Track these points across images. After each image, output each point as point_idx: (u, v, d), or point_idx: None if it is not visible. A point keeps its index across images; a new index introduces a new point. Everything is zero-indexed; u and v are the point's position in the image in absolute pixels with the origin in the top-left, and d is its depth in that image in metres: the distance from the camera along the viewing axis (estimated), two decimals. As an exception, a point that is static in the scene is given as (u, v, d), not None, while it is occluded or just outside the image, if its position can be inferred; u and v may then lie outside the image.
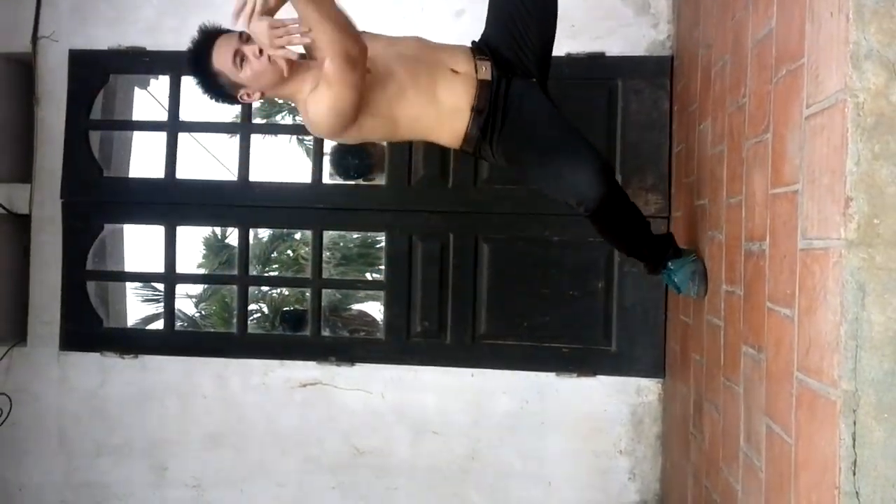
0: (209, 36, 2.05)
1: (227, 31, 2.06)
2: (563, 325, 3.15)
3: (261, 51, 1.99)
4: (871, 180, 1.13)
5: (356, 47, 1.93)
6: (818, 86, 1.29)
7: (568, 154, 2.12)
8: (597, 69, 3.13)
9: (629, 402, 3.12)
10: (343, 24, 1.90)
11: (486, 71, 2.14)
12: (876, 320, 1.14)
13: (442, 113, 2.14)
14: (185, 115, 3.36)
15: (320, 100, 2.00)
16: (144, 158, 4.03)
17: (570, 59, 3.08)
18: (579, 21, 3.07)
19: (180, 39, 3.25)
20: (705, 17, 2.42)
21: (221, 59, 2.02)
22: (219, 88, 2.08)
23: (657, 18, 3.12)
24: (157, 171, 3.37)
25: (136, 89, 3.90)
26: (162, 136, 3.36)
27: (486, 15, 2.27)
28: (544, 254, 3.17)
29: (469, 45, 2.24)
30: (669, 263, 2.34)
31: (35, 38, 3.31)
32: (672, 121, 3.03)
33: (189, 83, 3.32)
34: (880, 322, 1.14)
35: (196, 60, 2.06)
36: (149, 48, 3.30)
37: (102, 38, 3.31)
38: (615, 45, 3.13)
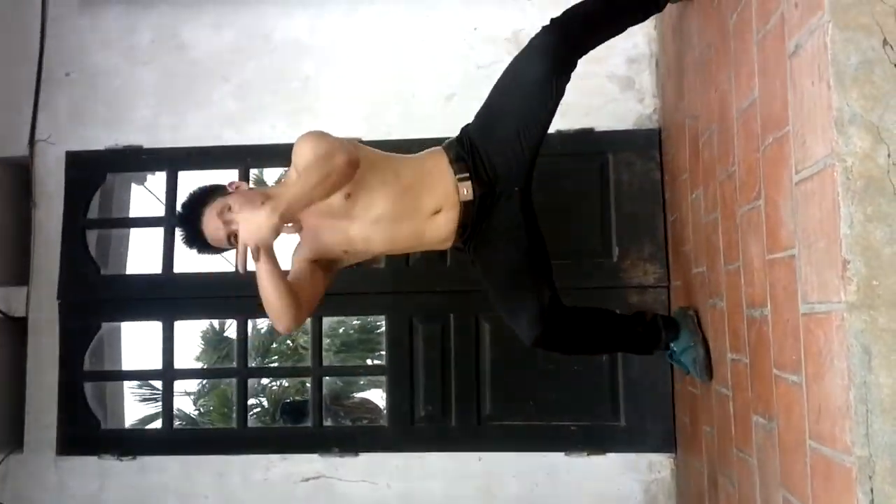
0: (195, 214, 2.04)
1: (209, 198, 2.04)
2: (570, 401, 3.10)
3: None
4: (867, 242, 1.13)
5: (343, 167, 1.93)
6: (806, 152, 1.30)
7: (519, 293, 2.22)
8: (587, 144, 3.18)
9: (642, 479, 3.03)
10: (324, 179, 1.90)
11: (467, 192, 2.16)
12: (884, 383, 1.12)
13: (428, 245, 2.25)
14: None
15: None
16: (143, 254, 4.05)
17: (561, 136, 3.13)
18: (567, 99, 3.10)
19: (177, 136, 3.36)
20: (689, 90, 2.48)
21: (216, 236, 2.02)
22: (217, 250, 2.13)
23: (642, 94, 3.19)
24: (155, 266, 3.37)
25: (133, 185, 3.95)
26: (159, 231, 3.38)
27: (479, 106, 2.26)
28: (546, 330, 3.14)
29: (450, 147, 2.21)
30: (672, 345, 2.33)
31: (32, 142, 3.37)
32: (664, 191, 3.06)
33: (186, 178, 3.40)
34: (889, 385, 1.12)
35: (193, 242, 2.07)
36: (146, 146, 3.35)
37: (99, 139, 3.36)
38: (604, 121, 3.19)
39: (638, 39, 3.19)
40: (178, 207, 2.12)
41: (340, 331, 11.08)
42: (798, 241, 1.37)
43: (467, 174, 2.15)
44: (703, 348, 2.25)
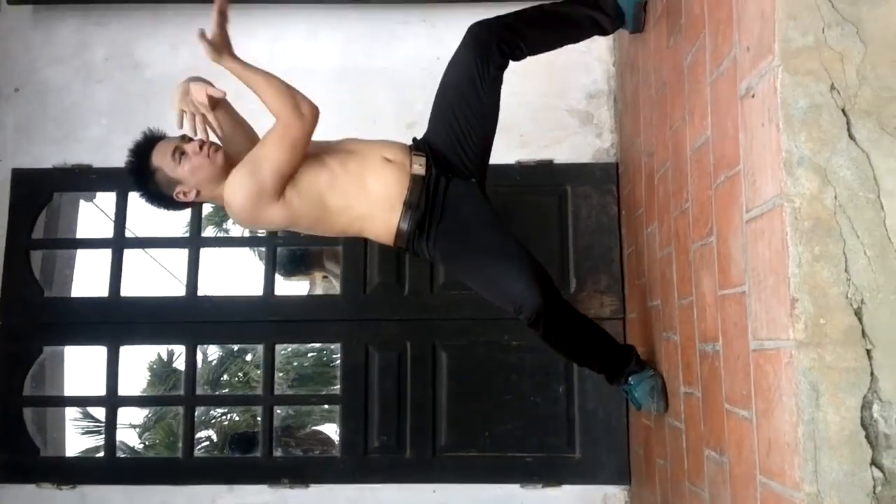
0: (151, 138, 2.20)
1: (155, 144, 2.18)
2: (526, 433, 3.08)
3: (200, 147, 2.11)
4: (814, 281, 1.15)
5: (306, 104, 2.09)
6: (756, 191, 1.32)
7: (505, 261, 2.13)
8: (546, 176, 3.21)
9: (595, 511, 3.02)
10: (290, 91, 2.09)
11: (420, 167, 2.17)
12: (832, 420, 1.14)
13: (373, 203, 2.16)
14: (133, 228, 3.32)
15: (241, 169, 2.08)
16: (90, 275, 3.95)
17: (521, 167, 3.16)
18: (528, 131, 3.17)
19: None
20: (645, 126, 2.52)
21: (160, 155, 2.14)
22: (155, 187, 2.16)
23: (600, 128, 3.24)
24: (102, 288, 3.28)
25: (82, 202, 3.85)
26: (107, 253, 3.29)
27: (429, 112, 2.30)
28: (504, 358, 3.13)
29: (409, 142, 2.28)
30: (630, 378, 2.33)
31: (-23, 159, 3.27)
32: (621, 224, 3.09)
33: (136, 198, 3.32)
34: (836, 422, 1.13)
35: (136, 157, 2.17)
36: (95, 165, 3.27)
37: (48, 157, 3.28)
38: (563, 154, 3.22)
39: (597, 75, 3.24)
40: (128, 159, 2.19)
41: (294, 363, 10.91)
42: (748, 279, 1.39)
43: (423, 154, 2.21)
44: (661, 380, 2.27)
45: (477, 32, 2.18)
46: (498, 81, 2.22)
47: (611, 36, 3.13)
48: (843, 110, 1.16)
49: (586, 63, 3.25)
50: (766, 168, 1.26)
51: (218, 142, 2.18)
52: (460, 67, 2.20)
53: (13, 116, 3.32)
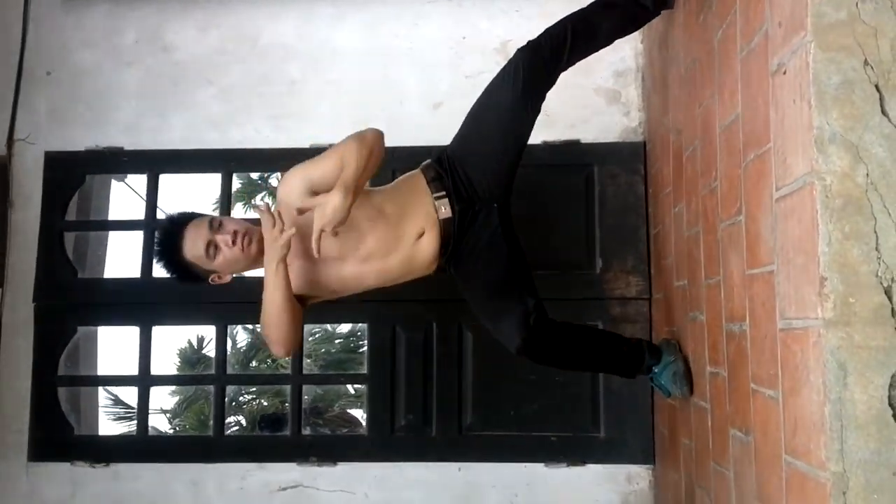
0: (179, 225, 2.10)
1: (196, 217, 2.11)
2: (551, 412, 3.09)
3: (233, 241, 2.04)
4: (844, 260, 1.13)
5: (374, 136, 2.05)
6: (786, 169, 1.31)
7: (503, 302, 2.23)
8: (573, 156, 3.19)
9: (620, 490, 3.03)
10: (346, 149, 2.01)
11: (445, 210, 2.19)
12: (859, 399, 1.13)
13: (414, 270, 2.26)
14: (164, 207, 3.35)
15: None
16: (122, 255, 4.00)
17: (547, 147, 3.14)
18: (553, 110, 3.12)
19: (159, 138, 3.33)
20: (674, 105, 2.49)
21: (193, 249, 2.06)
22: (189, 274, 2.12)
23: (628, 107, 3.21)
24: (134, 270, 3.33)
25: (114, 182, 3.90)
26: (139, 234, 3.34)
27: (465, 115, 2.29)
28: (528, 340, 3.13)
29: (428, 168, 2.24)
30: (654, 368, 2.34)
31: (10, 142, 3.32)
32: (648, 204, 3.07)
33: (167, 181, 3.37)
34: (863, 401, 1.13)
35: (167, 251, 2.09)
36: (126, 147, 3.32)
37: (80, 140, 3.32)
38: (590, 133, 3.20)
39: (625, 53, 3.21)
40: (157, 249, 2.15)
41: (322, 350, 11.01)
42: (777, 258, 1.38)
43: (444, 192, 2.19)
44: (683, 363, 2.27)
45: (526, 69, 2.16)
46: (539, 109, 2.24)
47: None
48: (876, 86, 1.14)
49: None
50: (797, 146, 1.25)
51: (250, 226, 2.11)
52: (504, 94, 2.18)
53: (45, 100, 3.37)
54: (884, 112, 1.14)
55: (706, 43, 1.97)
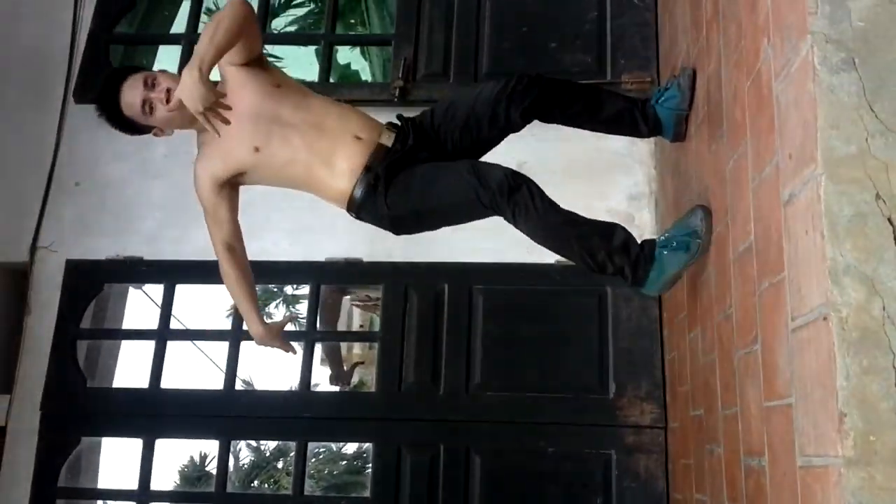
0: (115, 81, 2.17)
1: (132, 72, 2.19)
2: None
3: (167, 99, 2.10)
4: (863, 395, 1.10)
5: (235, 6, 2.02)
6: (801, 300, 1.29)
7: (449, 170, 2.15)
8: (586, 277, 3.16)
9: None
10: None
11: (388, 138, 2.21)
12: (884, 543, 1.06)
13: (335, 175, 2.19)
14: (179, 314, 3.37)
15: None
16: (131, 362, 3.98)
17: (561, 268, 3.13)
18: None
19: (178, 248, 3.37)
20: (686, 230, 2.49)
21: (130, 108, 2.15)
22: (131, 127, 2.22)
23: (642, 230, 3.22)
24: (143, 378, 3.30)
25: (132, 288, 3.93)
26: (151, 343, 3.33)
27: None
28: (539, 466, 3.02)
29: (395, 120, 2.30)
30: (664, 251, 2.12)
31: (34, 248, 3.38)
32: (662, 328, 3.03)
33: (184, 290, 3.38)
34: (887, 545, 1.06)
35: (106, 107, 2.19)
36: (146, 257, 3.36)
37: (102, 249, 3.37)
38: (604, 256, 3.20)
39: (638, 178, 3.26)
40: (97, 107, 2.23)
41: (325, 471, 10.75)
42: (795, 390, 1.34)
43: (395, 130, 2.23)
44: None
45: (519, 80, 2.24)
46: (513, 123, 2.29)
47: (651, 140, 3.17)
48: (888, 220, 1.14)
49: (627, 165, 3.28)
50: (811, 276, 1.23)
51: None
52: (487, 101, 2.25)
53: (72, 210, 3.45)
54: (898, 246, 1.13)
55: (718, 172, 1.99)
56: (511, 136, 3.36)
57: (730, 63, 1.89)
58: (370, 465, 3.87)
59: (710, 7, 2.16)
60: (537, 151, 3.10)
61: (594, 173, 3.22)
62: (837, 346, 1.12)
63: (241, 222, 3.34)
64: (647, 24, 3.32)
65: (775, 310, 1.46)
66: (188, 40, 3.50)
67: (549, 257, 3.17)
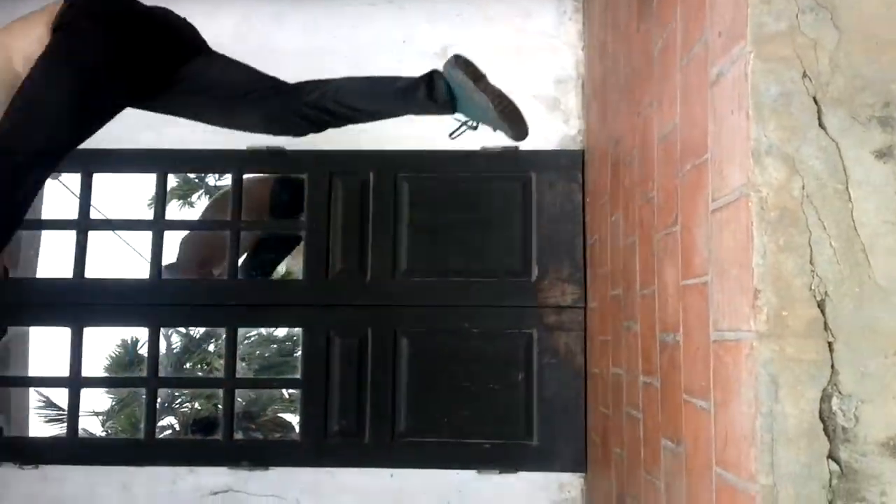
0: None
1: None
2: (485, 419, 3.08)
3: None
4: (778, 273, 1.13)
5: None
6: (723, 180, 1.31)
7: None
8: (511, 163, 3.18)
9: (552, 498, 3.03)
10: None
11: None
12: (790, 413, 1.13)
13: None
14: (99, 205, 3.25)
15: None
16: (55, 256, 3.86)
17: (486, 153, 3.12)
18: (492, 116, 3.14)
19: (95, 137, 3.16)
20: (613, 113, 2.50)
21: None
22: None
23: (567, 115, 3.21)
24: (66, 271, 3.21)
25: (48, 181, 3.74)
26: (72, 234, 3.22)
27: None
28: (464, 346, 3.12)
29: None
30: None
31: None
32: (585, 213, 3.08)
33: (101, 180, 3.24)
34: (794, 414, 1.12)
35: None
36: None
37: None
38: (528, 140, 3.19)
39: (565, 60, 3.22)
40: None
41: (256, 353, 10.85)
42: (712, 269, 1.38)
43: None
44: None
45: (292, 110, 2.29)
46: None
47: (580, 19, 3.11)
48: (814, 98, 1.14)
49: (554, 47, 3.22)
50: (734, 157, 1.25)
51: None
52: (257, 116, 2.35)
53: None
54: (821, 125, 1.14)
55: (646, 52, 1.97)
56: (435, 18, 3.27)
57: (663, -62, 1.84)
58: (299, 348, 3.92)
59: None
60: (462, 32, 3.02)
61: (520, 56, 3.16)
62: (756, 225, 1.14)
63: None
64: None
65: (697, 191, 1.49)
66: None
67: (474, 143, 3.16)
